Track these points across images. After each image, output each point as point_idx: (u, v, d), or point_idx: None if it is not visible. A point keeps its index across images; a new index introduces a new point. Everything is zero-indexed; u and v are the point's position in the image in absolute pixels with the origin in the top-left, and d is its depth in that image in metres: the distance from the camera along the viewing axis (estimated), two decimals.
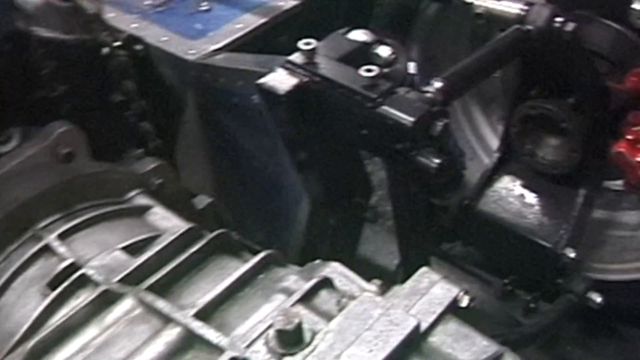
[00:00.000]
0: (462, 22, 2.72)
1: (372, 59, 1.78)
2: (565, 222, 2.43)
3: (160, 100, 2.37)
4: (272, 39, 2.56)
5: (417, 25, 2.64)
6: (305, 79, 1.70)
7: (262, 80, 1.72)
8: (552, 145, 2.44)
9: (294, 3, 2.64)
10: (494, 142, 2.86)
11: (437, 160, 1.57)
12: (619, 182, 2.65)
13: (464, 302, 1.26)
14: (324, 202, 1.98)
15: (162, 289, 1.40)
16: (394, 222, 1.90)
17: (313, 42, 1.71)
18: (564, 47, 2.12)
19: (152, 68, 2.37)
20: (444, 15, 2.64)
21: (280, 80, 1.71)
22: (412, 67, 1.96)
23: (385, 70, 1.71)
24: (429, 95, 1.71)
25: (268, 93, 1.71)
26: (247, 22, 2.51)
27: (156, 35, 2.41)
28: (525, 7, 2.06)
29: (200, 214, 2.04)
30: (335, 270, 1.37)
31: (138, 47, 2.24)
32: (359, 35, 1.84)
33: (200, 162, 2.50)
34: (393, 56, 1.81)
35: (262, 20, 2.52)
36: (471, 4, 2.13)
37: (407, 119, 1.57)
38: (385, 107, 1.60)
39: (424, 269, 1.30)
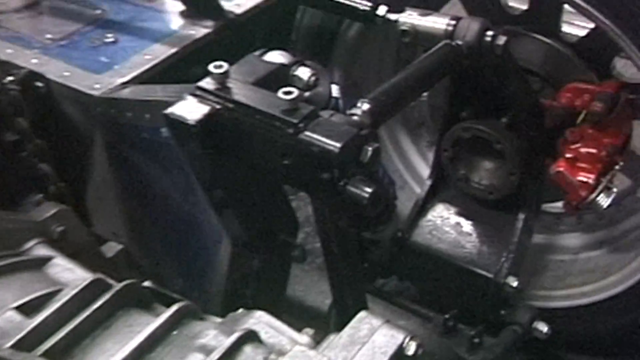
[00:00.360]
0: (386, 44, 2.60)
1: (292, 82, 1.62)
2: (506, 250, 2.33)
3: (64, 139, 2.23)
4: (184, 70, 2.42)
5: (338, 48, 2.49)
6: (218, 106, 1.53)
7: (169, 110, 1.54)
8: (487, 168, 2.33)
9: (206, 31, 2.51)
10: (424, 170, 2.77)
11: (369, 190, 1.42)
12: (556, 204, 2.59)
13: (411, 349, 1.10)
14: (246, 243, 1.80)
15: (61, 353, 1.24)
16: (324, 260, 1.72)
17: (225, 65, 1.53)
18: (495, 63, 2.00)
19: (55, 105, 2.21)
20: (366, 36, 2.50)
21: (190, 109, 1.53)
22: (335, 90, 1.80)
23: (307, 93, 1.54)
24: (355, 118, 1.55)
25: (177, 124, 1.53)
26: (157, 52, 2.37)
27: (58, 71, 2.25)
28: (453, 22, 1.94)
29: (110, 263, 1.85)
30: (260, 320, 1.22)
31: (38, 83, 2.12)
32: (276, 56, 1.68)
33: (111, 204, 2.33)
34: (314, 78, 1.66)
35: (172, 51, 2.38)
36: (396, 21, 1.99)
37: (333, 144, 1.40)
38: (308, 133, 1.43)
39: (362, 313, 1.14)
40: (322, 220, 1.54)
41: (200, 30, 2.49)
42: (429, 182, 2.45)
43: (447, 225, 2.41)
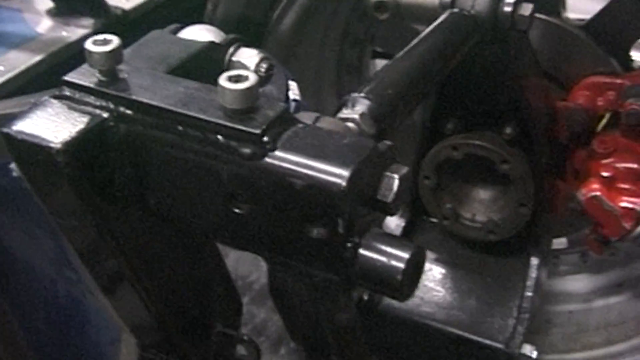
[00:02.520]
0: (328, 34, 1.99)
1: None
2: (516, 308, 1.72)
3: None
4: (51, 85, 1.76)
5: (267, 44, 1.85)
6: (104, 115, 0.84)
7: (13, 128, 0.84)
8: (485, 199, 1.73)
9: (83, 32, 1.99)
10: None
11: (405, 255, 0.75)
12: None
13: None
14: (159, 343, 1.11)
15: None
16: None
17: (114, 40, 0.84)
18: (510, 45, 1.39)
19: None
20: (304, 25, 1.88)
21: (53, 121, 0.84)
22: (294, 89, 1.14)
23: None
24: (350, 125, 0.88)
25: (28, 151, 0.83)
26: (13, 62, 1.85)
27: None
28: None
29: None
30: None
31: None
32: (200, 33, 1.01)
33: None
34: (265, 65, 0.98)
35: (36, 59, 1.87)
36: None
37: (336, 171, 0.73)
38: (281, 153, 0.76)
39: None
40: (304, 313, 0.86)
41: (74, 32, 1.99)
42: (401, 223, 1.81)
43: (431, 280, 1.79)
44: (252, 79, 0.77)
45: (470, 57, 1.39)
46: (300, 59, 2.02)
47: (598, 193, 1.61)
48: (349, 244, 0.76)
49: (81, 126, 0.83)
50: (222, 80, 0.77)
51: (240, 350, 1.18)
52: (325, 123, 0.84)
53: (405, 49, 1.11)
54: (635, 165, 1.63)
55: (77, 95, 0.87)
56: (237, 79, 0.77)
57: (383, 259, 0.76)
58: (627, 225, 1.61)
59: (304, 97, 1.64)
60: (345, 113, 0.91)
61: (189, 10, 2.12)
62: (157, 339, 1.13)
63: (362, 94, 0.94)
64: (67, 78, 0.88)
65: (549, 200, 1.73)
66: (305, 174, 0.74)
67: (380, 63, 2.24)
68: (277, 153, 0.77)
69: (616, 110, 1.66)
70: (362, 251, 0.77)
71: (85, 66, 0.89)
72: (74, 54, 1.90)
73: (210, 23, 1.85)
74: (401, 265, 0.75)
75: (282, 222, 0.78)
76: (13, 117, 0.87)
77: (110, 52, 0.84)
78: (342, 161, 0.74)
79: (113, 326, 1.25)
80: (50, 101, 0.87)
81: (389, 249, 0.76)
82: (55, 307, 1.41)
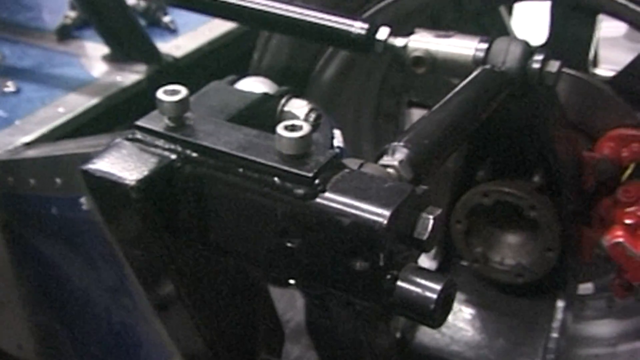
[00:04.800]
0: (367, 84, 2.09)
1: (282, 120, 1.03)
2: (541, 349, 1.78)
3: None
4: (107, 127, 1.92)
5: (311, 92, 1.94)
6: (172, 156, 0.95)
7: (91, 166, 0.95)
8: (514, 244, 1.79)
9: (137, 78, 2.11)
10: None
11: (437, 286, 0.84)
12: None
13: None
14: None
15: None
16: None
17: (182, 91, 0.96)
18: (539, 99, 1.48)
19: None
20: (346, 75, 1.97)
21: (127, 161, 0.94)
22: (338, 137, 1.24)
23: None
24: (390, 171, 0.98)
25: (104, 187, 0.94)
26: (72, 104, 1.97)
27: None
28: (484, 45, 1.41)
29: None
30: None
31: None
32: (255, 84, 1.11)
33: (14, 309, 1.82)
34: (314, 115, 1.09)
35: (93, 102, 2.00)
36: (404, 47, 1.46)
37: (378, 211, 0.83)
38: (331, 195, 0.86)
39: None
40: (344, 337, 0.95)
41: (129, 77, 2.11)
42: (434, 264, 1.89)
43: (461, 320, 1.87)
44: (306, 128, 0.88)
45: (502, 110, 1.48)
46: (341, 107, 2.10)
47: (621, 240, 1.66)
48: (388, 276, 0.86)
49: (152, 166, 0.94)
50: (280, 128, 0.88)
51: None
52: (369, 168, 0.94)
53: (441, 102, 1.20)
54: None
55: (148, 138, 0.98)
56: (292, 128, 0.88)
57: (418, 290, 0.85)
58: None
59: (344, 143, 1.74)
60: (386, 160, 1.01)
61: (235, 58, 2.24)
62: None
63: (401, 143, 1.03)
64: (139, 123, 0.99)
65: (575, 246, 1.80)
66: (351, 213, 0.84)
67: (415, 112, 2.33)
68: (327, 194, 0.87)
69: None
70: (399, 283, 0.86)
71: (155, 112, 1.00)
72: (128, 98, 2.04)
73: (257, 72, 1.97)
74: (434, 295, 0.85)
75: (329, 255, 0.88)
76: (88, 156, 0.98)
77: (178, 101, 0.96)
78: (383, 203, 0.83)
79: (164, 351, 1.35)
80: (123, 143, 0.98)
81: (423, 281, 0.86)
82: (110, 333, 1.51)
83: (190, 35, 2.30)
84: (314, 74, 1.96)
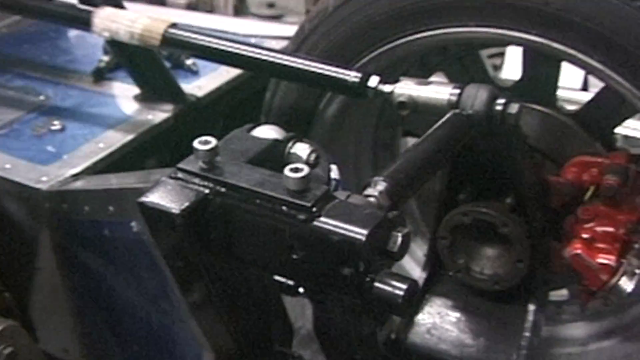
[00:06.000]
0: (364, 120, 2.36)
1: (288, 160, 1.35)
2: (516, 346, 2.04)
3: (7, 241, 1.98)
4: (140, 159, 2.16)
5: (316, 128, 2.23)
6: (206, 191, 1.25)
7: (146, 199, 1.25)
8: (490, 256, 2.06)
9: (165, 116, 2.32)
10: (412, 265, 2.53)
11: (403, 286, 1.14)
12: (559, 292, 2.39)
13: None
14: (233, 356, 1.49)
15: None
16: None
17: (213, 141, 1.26)
18: (505, 136, 1.76)
19: None
20: (346, 113, 2.25)
21: (172, 195, 1.25)
22: (334, 171, 1.54)
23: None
24: (371, 200, 1.28)
25: (156, 215, 1.24)
26: (111, 140, 2.18)
27: None
28: (457, 90, 1.70)
29: None
30: None
31: None
32: (267, 131, 1.41)
33: (63, 317, 2.04)
34: (314, 155, 1.39)
35: (129, 138, 2.20)
36: (391, 93, 1.75)
37: (358, 231, 1.13)
38: (324, 219, 1.16)
39: None
40: (339, 328, 1.25)
41: (158, 115, 2.32)
42: (423, 276, 2.17)
43: (448, 323, 2.13)
44: (306, 170, 1.18)
45: (475, 145, 1.77)
46: (342, 139, 2.36)
47: (579, 251, 1.90)
48: (367, 279, 1.15)
49: (191, 199, 1.25)
50: (286, 170, 1.18)
51: None
52: (354, 199, 1.23)
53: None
54: (611, 229, 1.92)
55: (187, 177, 1.29)
56: (295, 170, 1.18)
57: (389, 288, 1.15)
58: (604, 277, 1.92)
59: (344, 173, 2.01)
60: (369, 191, 1.31)
61: (249, 97, 2.47)
62: (232, 355, 1.52)
63: (381, 178, 1.33)
64: (180, 165, 1.30)
65: (545, 257, 2.07)
66: (339, 233, 1.14)
67: (410, 140, 2.60)
68: (322, 219, 1.17)
69: (598, 184, 1.94)
70: (376, 283, 1.16)
71: (191, 157, 1.30)
72: (158, 134, 2.26)
73: (269, 109, 2.26)
74: (401, 292, 1.14)
75: (324, 264, 1.18)
76: (140, 192, 1.29)
77: (210, 149, 1.26)
78: (362, 225, 1.14)
79: (196, 346, 1.63)
80: (168, 181, 1.29)
81: (393, 282, 1.16)
82: (149, 333, 1.77)
83: (210, 76, 2.50)
84: (319, 111, 2.21)
